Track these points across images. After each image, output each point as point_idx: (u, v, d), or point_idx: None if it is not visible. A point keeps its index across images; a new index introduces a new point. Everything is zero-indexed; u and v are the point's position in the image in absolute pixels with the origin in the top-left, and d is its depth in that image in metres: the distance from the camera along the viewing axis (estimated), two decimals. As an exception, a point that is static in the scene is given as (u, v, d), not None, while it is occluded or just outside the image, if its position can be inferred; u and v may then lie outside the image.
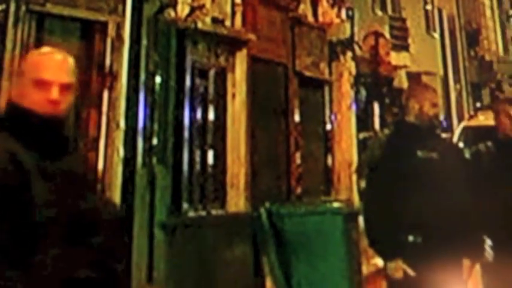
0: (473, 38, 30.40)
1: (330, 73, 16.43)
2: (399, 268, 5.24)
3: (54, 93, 2.98)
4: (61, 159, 2.95)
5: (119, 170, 9.59)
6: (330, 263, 10.25)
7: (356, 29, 17.28)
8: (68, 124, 3.09)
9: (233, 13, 12.77)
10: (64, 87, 3.01)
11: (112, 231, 2.98)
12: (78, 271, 2.85)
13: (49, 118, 2.96)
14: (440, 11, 26.64)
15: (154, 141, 10.30)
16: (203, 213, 11.28)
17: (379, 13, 20.40)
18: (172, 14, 11.09)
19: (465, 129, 17.04)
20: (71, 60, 3.12)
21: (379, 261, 7.69)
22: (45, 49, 3.15)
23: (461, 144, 14.29)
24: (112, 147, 9.66)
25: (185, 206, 10.80)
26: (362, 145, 16.20)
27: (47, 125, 2.95)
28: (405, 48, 20.13)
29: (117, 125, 9.75)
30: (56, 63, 3.04)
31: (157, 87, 10.52)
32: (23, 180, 2.80)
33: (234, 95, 12.46)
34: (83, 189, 2.99)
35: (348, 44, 16.94)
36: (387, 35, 18.89)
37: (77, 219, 2.88)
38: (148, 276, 9.54)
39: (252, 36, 12.69)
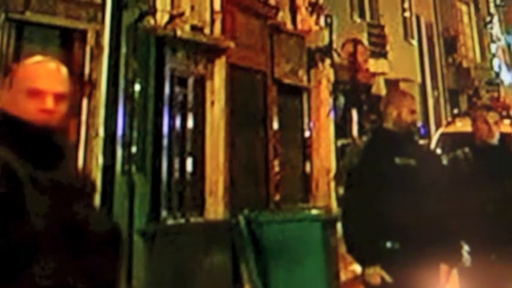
0: (451, 44, 30.62)
1: (309, 80, 16.52)
2: (377, 274, 5.28)
3: (49, 102, 2.95)
4: (55, 169, 2.91)
5: (98, 177, 9.60)
6: (309, 269, 10.32)
7: (334, 36, 17.40)
8: (64, 134, 3.08)
9: (212, 21, 12.82)
10: (58, 97, 2.98)
11: (105, 242, 2.95)
12: (71, 282, 2.82)
13: (43, 128, 2.93)
14: (418, 18, 26.81)
15: (134, 149, 10.31)
16: (182, 220, 11.30)
17: (358, 20, 20.52)
18: (152, 21, 11.12)
19: (443, 136, 17.16)
20: (64, 70, 3.09)
21: (357, 268, 7.74)
22: (38, 58, 3.10)
23: (439, 151, 14.40)
24: (91, 155, 9.67)
25: (164, 213, 10.83)
26: (340, 152, 16.29)
27: (41, 135, 2.93)
28: (383, 55, 20.26)
29: (96, 133, 9.76)
30: (49, 73, 3.02)
31: (136, 95, 10.54)
32: (16, 190, 2.77)
33: (213, 103, 12.50)
34: (76, 200, 2.95)
35: (327, 51, 17.05)
36: (365, 42, 19.00)
37: (70, 230, 2.86)
38: (127, 283, 9.55)
39: (230, 44, 12.74)
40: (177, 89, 11.72)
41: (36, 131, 2.91)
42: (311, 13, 16.55)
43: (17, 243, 2.73)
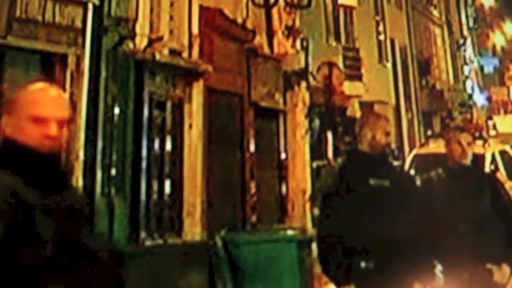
0: (425, 67, 30.95)
1: (285, 103, 16.74)
2: (352, 294, 5.39)
3: (53, 128, 2.97)
4: (60, 195, 2.96)
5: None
6: (285, 289, 10.46)
7: (310, 59, 17.64)
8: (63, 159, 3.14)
9: (190, 45, 13.01)
10: (60, 123, 3.00)
11: (109, 266, 3.03)
12: None
13: (48, 153, 2.96)
14: (392, 41, 27.14)
15: (113, 171, 10.45)
16: (160, 241, 11.43)
17: (333, 43, 20.79)
18: (131, 46, 11.27)
19: (416, 157, 17.40)
20: (64, 96, 3.15)
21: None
22: (40, 85, 3.12)
23: (412, 172, 14.61)
24: (71, 177, 9.78)
25: (143, 234, 10.96)
26: (316, 173, 16.48)
27: (47, 161, 2.96)
28: (358, 77, 20.51)
29: (77, 157, 9.87)
30: (52, 99, 3.04)
31: (115, 118, 10.68)
32: (27, 217, 2.82)
33: (190, 126, 12.67)
34: (82, 224, 3.02)
35: (303, 74, 17.28)
36: (341, 65, 19.27)
37: (78, 254, 2.92)
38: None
39: (208, 68, 12.91)
40: (155, 112, 11.88)
41: (42, 157, 2.95)
42: (287, 37, 16.79)
43: (29, 269, 2.80)
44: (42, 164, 2.95)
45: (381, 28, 25.93)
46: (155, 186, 11.70)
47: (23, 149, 2.95)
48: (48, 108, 2.99)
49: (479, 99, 42.42)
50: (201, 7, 13.26)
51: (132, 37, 11.29)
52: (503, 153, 18.29)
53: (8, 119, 3.02)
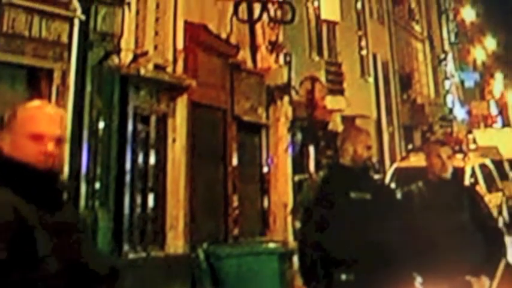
0: (406, 81, 31.18)
1: (268, 117, 16.90)
2: (333, 306, 5.48)
3: (50, 146, 3.00)
4: (57, 211, 3.01)
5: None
6: (266, 302, 10.61)
7: (293, 74, 17.79)
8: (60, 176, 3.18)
9: (175, 60, 13.14)
10: (58, 140, 3.04)
11: (108, 282, 3.09)
12: None
13: (46, 170, 2.99)
14: (374, 56, 27.35)
15: (97, 185, 10.55)
16: (143, 254, 11.54)
17: (316, 58, 20.96)
18: (116, 60, 11.37)
19: (397, 170, 17.54)
20: (61, 113, 3.15)
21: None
22: (36, 103, 3.18)
23: (393, 185, 14.74)
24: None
25: (126, 247, 11.07)
26: (297, 187, 16.61)
27: (45, 178, 2.99)
28: (340, 92, 20.68)
29: (61, 170, 9.95)
30: (49, 117, 3.08)
31: (100, 132, 10.79)
32: (26, 234, 2.87)
33: (174, 140, 12.79)
34: (79, 241, 3.06)
35: (285, 88, 17.42)
36: (323, 80, 19.44)
37: (77, 270, 2.98)
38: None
39: (192, 82, 13.03)
40: (139, 127, 11.99)
41: (40, 174, 2.98)
42: (271, 52, 16.95)
43: (28, 286, 2.85)
44: (40, 181, 2.99)
45: (363, 43, 26.15)
46: (139, 200, 11.82)
47: (21, 166, 2.98)
48: (45, 126, 3.03)
49: (460, 113, 42.75)
50: (185, 22, 13.41)
51: (118, 52, 11.39)
52: (482, 166, 18.51)
53: (5, 136, 3.05)
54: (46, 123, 3.04)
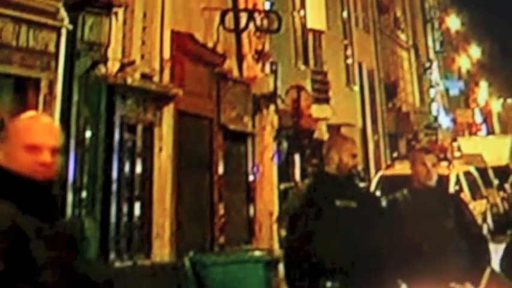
0: (392, 90, 31.36)
1: (253, 126, 16.98)
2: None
3: (46, 156, 3.03)
4: (53, 221, 3.04)
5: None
6: (252, 309, 10.68)
7: (279, 83, 17.90)
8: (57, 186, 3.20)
9: (161, 69, 13.21)
10: (53, 151, 3.07)
11: None
12: None
13: (42, 181, 3.02)
14: (360, 65, 27.51)
15: (84, 194, 10.58)
16: (129, 263, 11.58)
17: (302, 67, 21.08)
18: (103, 70, 11.41)
19: (382, 178, 17.66)
20: (56, 124, 3.26)
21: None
22: (31, 113, 3.21)
23: (378, 193, 14.84)
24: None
25: (112, 256, 11.11)
26: (283, 195, 16.68)
27: (43, 189, 3.03)
28: (326, 101, 20.82)
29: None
30: (44, 128, 3.12)
31: (87, 141, 10.83)
32: (23, 244, 2.90)
33: (160, 149, 12.85)
34: (76, 251, 3.09)
35: (271, 97, 17.52)
36: (309, 89, 19.58)
37: (75, 280, 3.02)
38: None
39: (179, 91, 13.10)
40: (126, 136, 12.04)
41: (37, 185, 3.02)
42: (257, 60, 17.04)
43: None
44: (37, 191, 3.03)
45: (349, 52, 26.31)
46: (125, 209, 11.86)
47: (18, 177, 3.00)
48: (41, 136, 3.06)
49: (445, 121, 43.00)
50: (172, 32, 13.48)
51: (104, 61, 11.43)
52: (467, 174, 18.70)
53: (0, 148, 3.08)
54: (41, 134, 3.07)
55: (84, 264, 3.17)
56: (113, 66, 11.70)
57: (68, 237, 3.12)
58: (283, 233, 6.17)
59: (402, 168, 15.96)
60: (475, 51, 54.32)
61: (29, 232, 2.94)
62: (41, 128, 3.10)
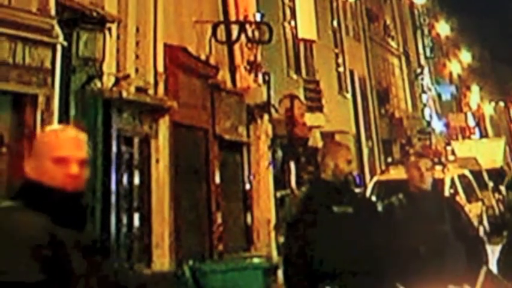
0: (384, 96, 31.54)
1: (248, 135, 17.14)
2: (317, 318, 5.62)
3: (74, 169, 3.07)
4: (83, 231, 3.09)
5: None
6: (251, 316, 10.81)
7: (272, 93, 18.06)
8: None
9: (156, 82, 13.37)
10: (81, 163, 3.11)
11: None
12: None
13: (71, 193, 3.07)
14: (352, 72, 27.70)
15: (84, 206, 10.71)
16: (130, 272, 11.71)
17: (294, 76, 21.26)
18: (99, 84, 11.55)
19: (377, 184, 17.77)
20: (83, 136, 3.22)
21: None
22: (58, 127, 3.34)
23: (374, 198, 14.95)
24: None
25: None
26: (280, 203, 16.83)
27: (72, 200, 3.08)
28: (319, 109, 20.98)
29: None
30: (72, 140, 3.15)
31: (85, 155, 10.96)
32: (63, 255, 2.95)
33: (157, 160, 13.01)
34: (105, 258, 3.20)
35: (265, 107, 17.69)
36: (302, 97, 19.76)
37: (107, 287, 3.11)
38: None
39: (174, 104, 13.25)
40: (123, 148, 12.19)
41: (68, 196, 3.05)
42: (249, 71, 17.19)
43: None
44: (68, 203, 3.08)
45: (340, 60, 26.52)
46: (125, 219, 12.01)
47: (50, 190, 3.05)
48: (69, 149, 3.10)
49: (438, 125, 43.17)
50: (165, 45, 13.66)
51: (100, 76, 11.56)
52: (462, 177, 18.79)
53: (30, 162, 3.13)
54: (69, 147, 3.11)
55: (116, 270, 3.28)
56: (108, 80, 11.83)
57: (96, 245, 3.21)
58: (281, 239, 6.20)
59: (397, 173, 16.08)
60: (465, 56, 54.59)
61: (67, 243, 3.01)
62: (68, 141, 3.14)
